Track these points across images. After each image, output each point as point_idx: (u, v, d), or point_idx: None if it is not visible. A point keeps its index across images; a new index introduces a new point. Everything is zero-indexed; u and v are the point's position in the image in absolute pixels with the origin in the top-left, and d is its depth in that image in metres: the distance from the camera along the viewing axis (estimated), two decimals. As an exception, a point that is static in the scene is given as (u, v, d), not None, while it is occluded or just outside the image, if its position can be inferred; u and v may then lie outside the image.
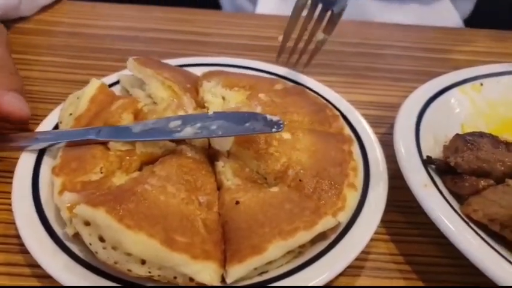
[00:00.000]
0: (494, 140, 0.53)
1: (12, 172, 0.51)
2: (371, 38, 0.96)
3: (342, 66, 0.86)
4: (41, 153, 0.53)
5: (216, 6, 1.23)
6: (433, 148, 0.57)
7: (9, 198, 0.48)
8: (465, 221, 0.46)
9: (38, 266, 0.43)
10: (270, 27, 0.97)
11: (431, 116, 0.61)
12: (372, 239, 0.48)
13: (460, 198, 0.51)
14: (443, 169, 0.53)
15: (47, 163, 0.52)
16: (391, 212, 0.54)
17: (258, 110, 0.55)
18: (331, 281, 0.45)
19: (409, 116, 0.60)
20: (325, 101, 0.63)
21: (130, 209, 0.40)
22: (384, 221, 0.53)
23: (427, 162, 0.53)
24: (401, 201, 0.56)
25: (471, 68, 0.71)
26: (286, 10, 1.08)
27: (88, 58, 0.82)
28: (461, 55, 0.93)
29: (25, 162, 0.52)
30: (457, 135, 0.55)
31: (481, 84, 0.68)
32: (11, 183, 0.50)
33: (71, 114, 0.57)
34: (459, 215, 0.47)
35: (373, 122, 0.69)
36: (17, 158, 0.52)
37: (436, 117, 0.61)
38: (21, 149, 0.53)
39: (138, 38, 0.89)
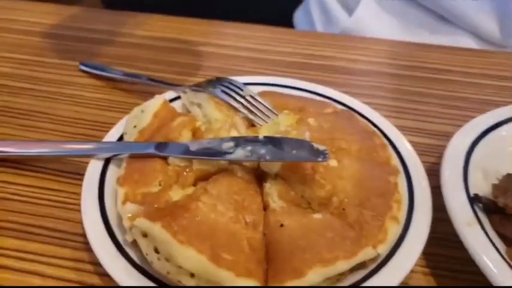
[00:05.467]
0: (548, 183, 0.52)
1: (82, 175, 0.57)
2: (428, 61, 0.94)
3: (394, 89, 0.86)
4: (107, 160, 0.58)
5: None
6: (481, 184, 0.57)
7: (78, 199, 0.54)
8: (510, 265, 0.46)
9: (99, 265, 0.48)
10: (324, 45, 0.99)
11: (483, 149, 0.60)
12: (411, 271, 0.49)
13: (508, 241, 0.51)
14: (491, 209, 0.52)
15: (112, 170, 0.57)
16: (433, 245, 0.54)
17: (307, 135, 0.58)
18: (367, 310, 0.47)
19: (459, 148, 0.60)
20: (374, 128, 0.64)
21: (183, 225, 0.44)
22: (425, 253, 0.54)
23: (473, 200, 0.53)
24: (444, 234, 0.55)
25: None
26: (385, 17, 1.08)
27: (148, 69, 0.87)
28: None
29: (93, 168, 0.57)
30: (509, 175, 0.54)
31: (544, 120, 0.66)
32: (80, 184, 0.55)
33: (135, 126, 0.62)
34: (504, 258, 0.47)
35: (423, 150, 0.69)
36: (87, 162, 0.58)
37: (489, 152, 0.60)
38: (89, 156, 0.59)
39: (198, 52, 0.94)
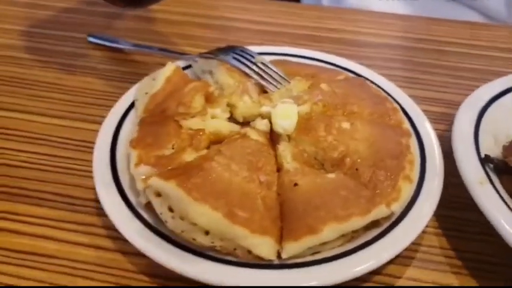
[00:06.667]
0: (559, 142, 0.52)
1: (89, 142, 0.56)
2: (437, 35, 0.94)
3: (404, 61, 0.85)
4: (118, 127, 0.58)
5: None
6: (492, 148, 0.57)
7: (87, 165, 0.53)
8: (521, 223, 0.46)
9: (112, 229, 0.48)
10: (332, 18, 0.98)
11: (493, 115, 0.60)
12: (423, 232, 0.50)
13: (518, 200, 0.51)
14: (501, 169, 0.52)
15: (123, 136, 0.57)
16: (445, 207, 0.54)
17: (319, 98, 0.58)
18: (380, 268, 0.47)
19: (469, 113, 0.60)
20: (385, 94, 0.64)
21: (197, 183, 0.44)
22: (438, 215, 0.54)
23: (484, 160, 0.52)
24: (457, 197, 0.56)
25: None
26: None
27: (157, 42, 0.86)
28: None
29: (104, 134, 0.57)
30: (520, 135, 0.54)
31: (551, 86, 0.65)
32: (88, 151, 0.55)
33: (146, 93, 0.62)
34: (515, 215, 0.47)
35: (433, 118, 0.69)
36: (94, 130, 0.58)
37: (498, 117, 0.60)
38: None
39: (207, 25, 0.93)
